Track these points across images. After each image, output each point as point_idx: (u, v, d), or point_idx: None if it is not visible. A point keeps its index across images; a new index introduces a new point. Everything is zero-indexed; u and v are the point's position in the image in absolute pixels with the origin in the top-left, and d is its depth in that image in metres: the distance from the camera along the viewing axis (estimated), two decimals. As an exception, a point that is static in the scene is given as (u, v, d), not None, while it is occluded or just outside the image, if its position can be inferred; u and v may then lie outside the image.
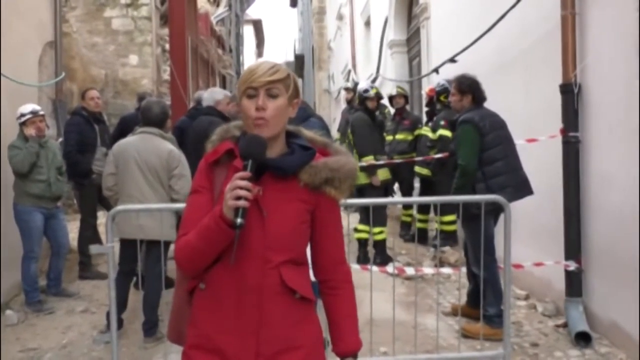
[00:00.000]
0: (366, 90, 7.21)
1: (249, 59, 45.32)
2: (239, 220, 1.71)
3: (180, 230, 1.90)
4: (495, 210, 4.67)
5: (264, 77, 1.84)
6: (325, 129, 4.66)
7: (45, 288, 6.25)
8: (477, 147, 4.79)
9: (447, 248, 7.17)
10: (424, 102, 8.39)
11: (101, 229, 6.59)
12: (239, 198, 1.70)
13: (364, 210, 7.03)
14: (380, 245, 7.04)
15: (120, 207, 3.79)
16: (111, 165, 4.87)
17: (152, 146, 4.77)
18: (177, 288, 2.03)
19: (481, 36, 6.61)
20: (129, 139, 4.93)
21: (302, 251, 1.94)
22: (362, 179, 6.96)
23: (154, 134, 4.86)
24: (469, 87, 5.00)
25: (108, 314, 4.29)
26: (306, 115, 4.51)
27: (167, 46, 11.91)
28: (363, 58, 15.97)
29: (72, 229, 7.44)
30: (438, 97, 7.51)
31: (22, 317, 5.67)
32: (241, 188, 1.71)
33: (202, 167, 1.95)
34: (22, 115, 5.76)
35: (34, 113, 5.80)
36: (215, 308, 1.85)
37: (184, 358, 1.92)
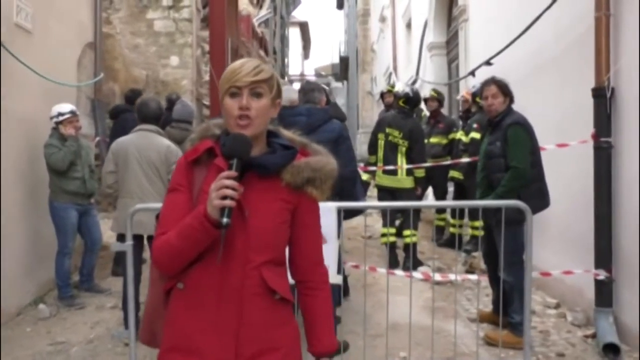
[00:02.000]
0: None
1: (294, 61, 45.61)
2: (225, 220, 1.70)
3: (157, 229, 1.88)
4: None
5: (249, 77, 1.84)
6: (343, 132, 4.58)
7: (78, 284, 6.40)
8: (529, 150, 4.69)
9: (477, 253, 7.04)
10: (460, 105, 8.27)
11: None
12: (225, 197, 1.69)
13: (386, 215, 6.96)
14: (410, 249, 6.96)
15: (140, 206, 3.84)
16: (111, 163, 4.99)
17: (150, 142, 4.90)
18: (151, 288, 2.00)
19: (515, 39, 6.49)
20: (128, 137, 5.06)
21: (282, 251, 1.93)
22: (408, 183, 6.91)
23: (151, 130, 5.01)
24: (508, 89, 4.91)
25: (125, 311, 4.38)
26: (327, 116, 4.49)
27: (207, 47, 12.05)
28: (404, 60, 15.87)
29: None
30: (473, 99, 7.40)
31: (54, 311, 5.82)
32: (227, 187, 1.70)
33: (181, 166, 1.93)
34: (61, 114, 5.89)
35: (73, 113, 5.95)
36: (195, 308, 1.83)
37: None
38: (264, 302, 1.84)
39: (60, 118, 5.88)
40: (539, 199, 4.66)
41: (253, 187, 1.83)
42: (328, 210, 3.74)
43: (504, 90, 4.87)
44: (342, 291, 4.16)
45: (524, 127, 4.71)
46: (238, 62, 1.89)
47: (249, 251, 1.82)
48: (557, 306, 5.69)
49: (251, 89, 1.84)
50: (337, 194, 4.44)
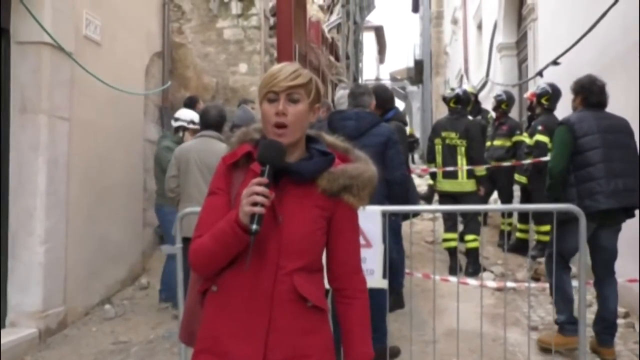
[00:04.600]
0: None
1: (369, 65, 45.54)
2: (254, 226, 1.71)
3: (195, 232, 1.91)
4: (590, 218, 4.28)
5: (285, 82, 1.83)
6: (392, 135, 4.51)
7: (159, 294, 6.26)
8: (567, 149, 4.54)
9: (543, 259, 6.80)
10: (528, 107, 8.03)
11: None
12: (255, 204, 1.70)
13: (449, 219, 6.84)
14: (472, 254, 6.83)
15: (188, 210, 3.93)
16: (174, 168, 5.13)
17: (211, 148, 4.98)
18: (190, 288, 2.03)
19: (581, 37, 6.26)
20: (190, 143, 5.18)
21: (316, 258, 1.91)
22: (469, 187, 6.79)
23: (212, 137, 5.10)
24: (581, 88, 4.77)
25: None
26: (376, 120, 4.46)
27: (276, 54, 12.22)
28: (475, 62, 15.58)
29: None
30: (538, 100, 7.17)
31: (119, 311, 6.03)
32: (258, 194, 1.70)
33: (220, 169, 1.96)
34: (193, 123, 6.08)
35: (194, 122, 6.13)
36: (226, 311, 1.84)
37: None
38: (295, 309, 1.83)
39: (190, 126, 6.08)
40: (592, 200, 4.42)
41: (289, 193, 1.84)
42: (373, 214, 3.71)
43: (573, 88, 4.83)
44: (387, 298, 4.06)
45: (566, 127, 4.59)
46: (276, 67, 1.89)
47: (281, 257, 1.81)
48: (625, 315, 5.42)
49: (288, 94, 1.84)
50: (387, 198, 4.42)
